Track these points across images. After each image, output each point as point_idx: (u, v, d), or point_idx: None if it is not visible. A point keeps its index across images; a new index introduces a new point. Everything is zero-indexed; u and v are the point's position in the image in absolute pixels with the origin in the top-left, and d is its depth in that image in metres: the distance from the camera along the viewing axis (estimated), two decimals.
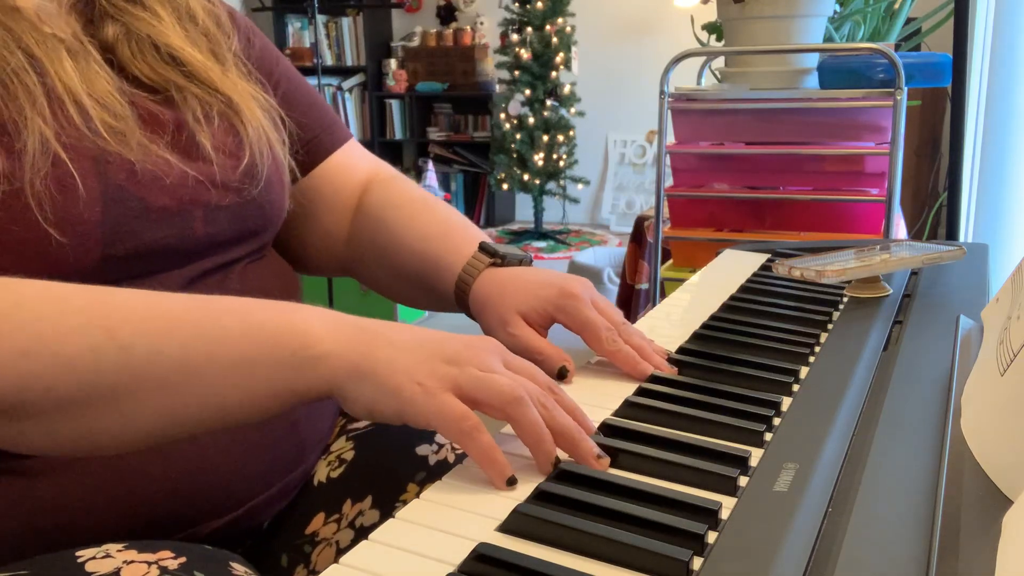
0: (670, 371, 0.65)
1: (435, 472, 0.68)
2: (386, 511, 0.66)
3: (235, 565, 0.54)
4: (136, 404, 0.48)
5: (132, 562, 0.50)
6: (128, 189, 0.59)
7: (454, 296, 0.72)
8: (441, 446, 0.71)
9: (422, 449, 0.70)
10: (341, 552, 0.64)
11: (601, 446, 0.51)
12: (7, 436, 0.49)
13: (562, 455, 0.50)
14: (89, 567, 0.49)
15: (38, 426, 0.48)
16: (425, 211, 0.78)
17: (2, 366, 0.45)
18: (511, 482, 0.47)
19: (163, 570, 0.50)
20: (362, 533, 0.65)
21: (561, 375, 0.64)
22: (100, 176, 0.57)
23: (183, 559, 0.51)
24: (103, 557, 0.50)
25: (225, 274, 0.67)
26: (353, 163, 0.83)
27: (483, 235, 0.76)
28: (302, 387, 0.50)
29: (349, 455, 0.71)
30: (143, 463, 0.58)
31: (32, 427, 0.48)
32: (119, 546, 0.52)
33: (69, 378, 0.47)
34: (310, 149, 0.78)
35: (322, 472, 0.71)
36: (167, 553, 0.51)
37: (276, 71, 0.78)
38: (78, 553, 0.51)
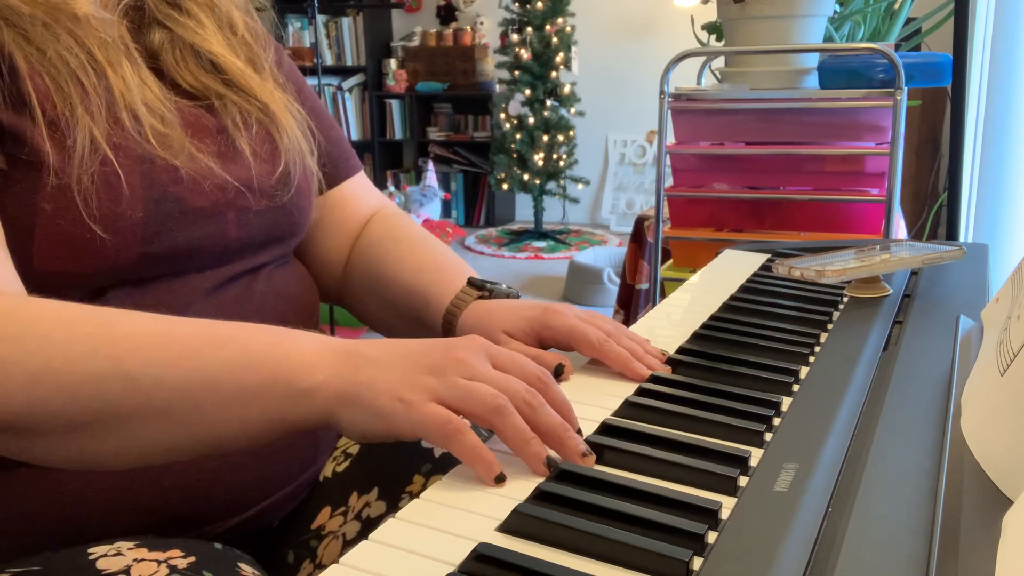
0: (665, 370, 0.65)
1: (440, 464, 0.68)
2: (392, 502, 0.67)
3: (243, 566, 0.54)
4: (139, 429, 0.49)
5: (142, 560, 0.50)
6: (170, 190, 0.60)
7: (441, 328, 0.73)
8: None
9: (427, 441, 0.70)
10: (348, 544, 0.65)
11: (597, 445, 0.51)
12: (15, 450, 0.50)
13: (554, 454, 0.50)
14: (100, 564, 0.50)
15: (45, 444, 0.50)
16: (421, 246, 0.80)
17: (14, 391, 0.47)
18: (500, 479, 0.48)
19: (172, 569, 0.50)
20: (369, 524, 0.66)
21: (557, 373, 0.64)
22: (144, 176, 0.59)
23: (192, 558, 0.52)
24: (114, 555, 0.51)
25: (253, 277, 0.68)
26: (362, 195, 0.84)
27: (474, 272, 0.77)
28: (297, 418, 0.50)
29: (354, 449, 0.72)
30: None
31: (39, 444, 0.50)
32: (130, 544, 0.52)
33: (76, 404, 0.48)
34: (324, 174, 0.80)
35: (328, 468, 0.72)
36: (177, 552, 0.52)
37: (303, 93, 0.80)
38: (90, 550, 0.51)
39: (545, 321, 0.67)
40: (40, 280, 0.55)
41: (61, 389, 0.47)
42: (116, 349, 0.49)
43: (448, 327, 0.72)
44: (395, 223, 0.83)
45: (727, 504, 0.45)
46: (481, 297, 0.72)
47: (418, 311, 0.75)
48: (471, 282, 0.74)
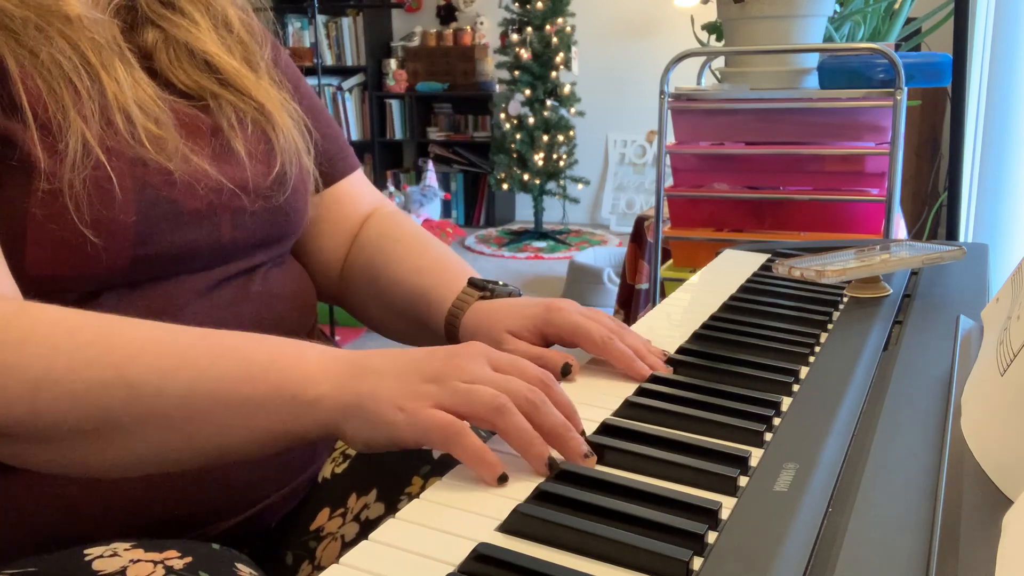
0: (666, 371, 0.65)
1: (439, 465, 0.68)
2: (391, 504, 0.67)
3: (240, 566, 0.54)
4: (140, 438, 0.49)
5: (138, 561, 0.50)
6: (163, 193, 0.60)
7: (444, 330, 0.73)
8: None
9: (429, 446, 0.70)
10: (347, 546, 0.65)
11: (597, 445, 0.51)
12: (15, 456, 0.50)
13: (556, 454, 0.50)
14: (96, 565, 0.50)
15: (47, 452, 0.50)
16: (420, 246, 0.79)
17: (15, 398, 0.47)
18: (502, 480, 0.48)
19: (168, 570, 0.50)
20: (368, 526, 0.65)
21: (565, 372, 0.64)
22: (136, 180, 0.59)
23: (189, 559, 0.51)
24: (110, 556, 0.51)
25: (248, 277, 0.68)
26: (359, 193, 0.84)
27: (474, 272, 0.77)
28: (300, 430, 0.51)
29: (353, 451, 0.72)
30: None
31: (41, 452, 0.50)
32: (126, 544, 0.52)
33: (78, 411, 0.48)
34: (322, 172, 0.79)
35: (327, 469, 0.72)
36: (173, 553, 0.52)
37: (299, 89, 0.79)
38: (86, 551, 0.51)
39: (548, 319, 0.67)
40: (33, 284, 0.55)
41: (63, 397, 0.47)
42: (117, 357, 0.48)
43: (451, 329, 0.72)
44: (393, 222, 0.83)
45: (727, 504, 0.45)
46: (483, 297, 0.72)
47: (420, 313, 0.75)
48: (472, 282, 0.73)
